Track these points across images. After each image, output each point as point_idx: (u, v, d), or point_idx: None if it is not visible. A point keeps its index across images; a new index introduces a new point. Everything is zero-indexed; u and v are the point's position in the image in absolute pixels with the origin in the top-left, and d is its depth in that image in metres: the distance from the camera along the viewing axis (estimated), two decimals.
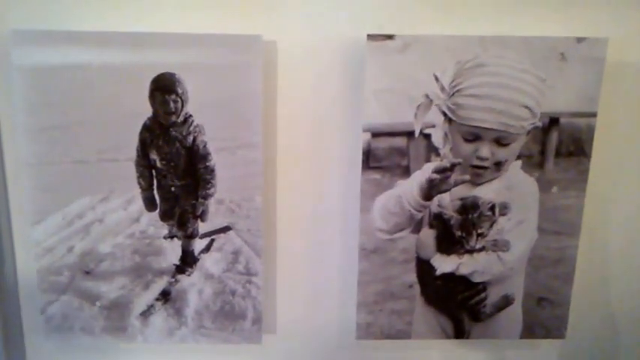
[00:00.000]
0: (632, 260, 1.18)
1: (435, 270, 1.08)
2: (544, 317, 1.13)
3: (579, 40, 0.99)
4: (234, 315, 1.11)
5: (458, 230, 1.06)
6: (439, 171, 1.02)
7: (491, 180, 1.04)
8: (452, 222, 1.05)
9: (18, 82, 1.00)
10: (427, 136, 1.02)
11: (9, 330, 1.15)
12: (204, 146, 1.03)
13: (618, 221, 1.16)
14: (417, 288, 1.10)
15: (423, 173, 1.03)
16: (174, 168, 1.05)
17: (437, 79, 0.99)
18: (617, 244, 1.17)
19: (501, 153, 1.01)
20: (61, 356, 1.19)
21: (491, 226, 1.06)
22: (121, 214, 1.07)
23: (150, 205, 1.07)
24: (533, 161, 1.04)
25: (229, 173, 1.05)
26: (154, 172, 1.06)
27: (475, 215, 1.05)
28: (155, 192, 1.07)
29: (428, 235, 1.07)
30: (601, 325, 1.22)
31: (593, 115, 1.02)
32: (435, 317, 1.12)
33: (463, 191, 1.04)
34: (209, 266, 1.10)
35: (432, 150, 1.02)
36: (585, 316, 1.20)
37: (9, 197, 1.10)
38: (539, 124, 1.01)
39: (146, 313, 1.11)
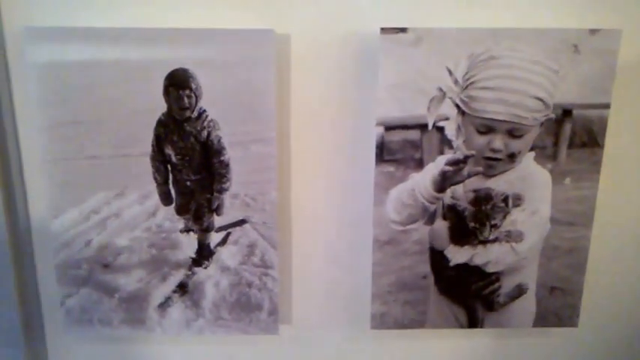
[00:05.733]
0: None
1: (449, 261, 1.09)
2: (557, 306, 1.14)
3: (592, 31, 0.99)
4: (250, 306, 1.12)
5: (471, 221, 1.06)
6: (452, 163, 1.02)
7: (505, 172, 1.04)
8: (465, 213, 1.06)
9: (33, 79, 1.01)
10: (440, 129, 1.02)
11: (30, 323, 1.17)
12: (219, 141, 1.04)
13: (631, 211, 1.16)
14: (431, 278, 1.11)
15: (437, 166, 1.04)
16: (190, 163, 1.06)
17: (450, 72, 0.99)
18: (629, 234, 1.18)
19: (514, 145, 1.01)
20: (81, 348, 1.21)
21: (504, 217, 1.06)
22: (137, 208, 1.08)
23: (166, 199, 1.08)
24: (547, 152, 1.04)
25: (244, 167, 1.05)
26: (169, 166, 1.06)
27: (488, 207, 1.05)
28: (171, 186, 1.08)
29: (441, 226, 1.08)
30: (613, 314, 1.23)
31: (607, 106, 1.02)
32: (449, 307, 1.13)
33: (476, 183, 1.05)
34: (225, 259, 1.11)
35: (446, 142, 1.03)
36: (597, 305, 1.21)
37: (27, 193, 1.11)
38: (552, 115, 1.01)
39: (164, 305, 1.12)
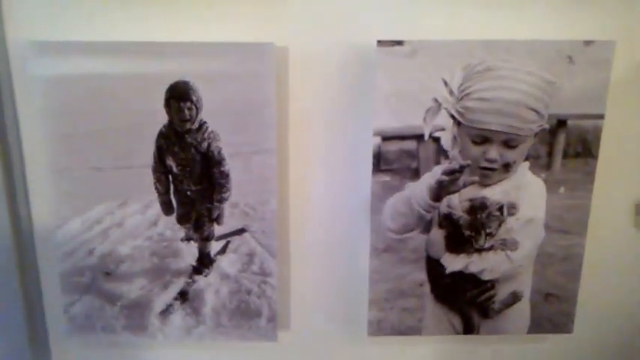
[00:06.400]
0: (637, 258, 1.20)
1: (445, 268, 1.10)
2: (551, 313, 1.15)
3: (587, 43, 1.00)
4: (250, 313, 1.14)
5: (467, 230, 1.08)
6: (448, 173, 1.04)
7: (500, 181, 1.06)
8: (461, 222, 1.07)
9: (37, 92, 1.03)
10: (436, 139, 1.04)
11: (34, 330, 1.19)
12: (219, 152, 1.06)
13: (624, 221, 1.17)
14: (427, 286, 1.12)
15: (433, 175, 1.05)
16: (190, 173, 1.08)
17: (445, 83, 1.00)
18: (623, 242, 1.19)
19: (509, 155, 1.03)
20: (84, 354, 1.23)
21: (499, 225, 1.08)
22: (139, 218, 1.10)
23: (167, 209, 1.10)
24: (541, 162, 1.06)
25: (244, 178, 1.07)
26: (170, 177, 1.08)
27: (484, 215, 1.07)
28: (172, 196, 1.10)
29: (437, 234, 1.09)
30: (607, 320, 1.24)
31: (601, 116, 1.04)
32: (445, 314, 1.14)
33: (472, 192, 1.06)
34: (225, 267, 1.13)
35: (442, 152, 1.04)
36: (592, 312, 1.22)
37: (31, 203, 1.13)
38: (547, 126, 1.02)
39: (165, 313, 1.14)
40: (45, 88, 1.03)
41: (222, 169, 1.06)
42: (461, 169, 1.04)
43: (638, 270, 1.21)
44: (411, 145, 1.05)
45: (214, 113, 1.04)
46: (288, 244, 1.16)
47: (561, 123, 1.04)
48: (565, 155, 1.06)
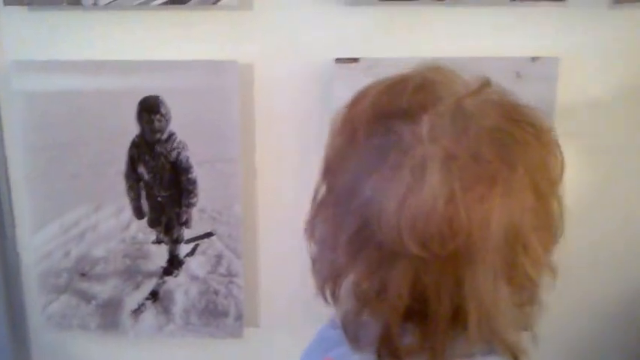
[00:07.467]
0: (592, 253, 1.23)
1: None
2: None
3: (533, 59, 1.06)
4: (217, 312, 1.20)
5: None
6: None
7: None
8: None
9: (19, 106, 1.11)
10: None
11: (15, 327, 1.24)
12: (187, 160, 1.12)
13: (580, 218, 1.20)
14: None
15: None
16: (160, 180, 1.14)
17: None
18: (579, 240, 1.22)
19: None
20: (62, 350, 1.28)
21: None
22: (113, 221, 1.16)
23: (139, 213, 1.16)
24: None
25: (210, 184, 1.13)
26: (142, 183, 1.15)
27: None
28: (143, 201, 1.16)
29: None
30: (568, 318, 1.28)
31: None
32: None
33: None
34: (194, 268, 1.18)
35: None
36: (553, 306, 1.25)
37: (14, 208, 1.20)
38: None
39: (137, 311, 1.20)
40: (27, 103, 1.10)
41: (190, 176, 1.13)
42: None
43: (593, 265, 1.23)
44: None
45: (183, 125, 1.11)
46: (256, 247, 1.21)
47: None
48: None
